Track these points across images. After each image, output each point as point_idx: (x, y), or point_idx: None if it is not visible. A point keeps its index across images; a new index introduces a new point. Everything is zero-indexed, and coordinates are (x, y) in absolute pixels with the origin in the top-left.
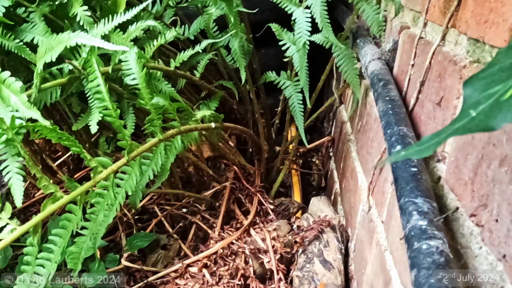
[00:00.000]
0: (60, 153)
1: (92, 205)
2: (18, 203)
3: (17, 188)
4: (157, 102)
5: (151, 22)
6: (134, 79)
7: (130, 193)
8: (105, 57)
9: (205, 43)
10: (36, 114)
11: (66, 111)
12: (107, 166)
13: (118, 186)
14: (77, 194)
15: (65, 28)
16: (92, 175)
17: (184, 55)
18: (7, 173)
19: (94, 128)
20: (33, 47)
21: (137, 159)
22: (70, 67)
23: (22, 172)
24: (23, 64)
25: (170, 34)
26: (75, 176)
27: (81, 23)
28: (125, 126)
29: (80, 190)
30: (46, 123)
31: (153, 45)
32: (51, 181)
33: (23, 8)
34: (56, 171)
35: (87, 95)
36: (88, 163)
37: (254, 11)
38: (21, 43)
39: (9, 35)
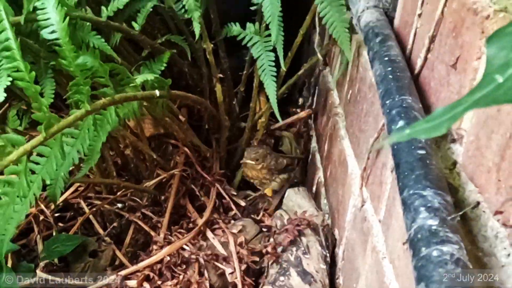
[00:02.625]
0: None
1: None
2: None
3: None
4: (84, 62)
5: None
6: (53, 32)
7: (48, 182)
8: (17, 4)
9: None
10: None
11: None
12: (18, 145)
13: (33, 172)
14: None
15: None
16: None
17: (119, 2)
18: None
19: (1, 96)
20: None
21: (57, 137)
22: None
23: None
24: None
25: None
26: None
27: None
28: (42, 95)
29: None
30: None
31: None
32: None
33: None
34: None
35: None
36: None
37: None
38: None
39: None
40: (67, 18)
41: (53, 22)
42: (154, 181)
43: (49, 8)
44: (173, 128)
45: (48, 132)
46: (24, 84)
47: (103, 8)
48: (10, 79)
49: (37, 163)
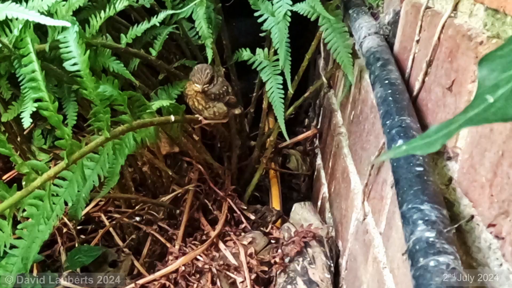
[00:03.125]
0: None
1: (24, 218)
2: None
3: None
4: (104, 91)
5: None
6: (75, 64)
7: (70, 203)
8: (41, 31)
9: (163, 14)
10: None
11: None
12: (42, 171)
13: (55, 195)
14: (5, 207)
15: None
16: (24, 183)
17: (137, 30)
18: None
19: (27, 122)
20: None
21: (79, 162)
22: None
23: None
24: None
25: (121, 4)
26: (4, 177)
27: None
28: (65, 117)
29: (9, 202)
30: None
31: (100, 18)
32: None
33: None
34: None
35: (20, 80)
36: (19, 168)
37: None
38: None
39: None
40: (88, 51)
41: (74, 55)
42: (169, 196)
43: (70, 42)
44: (187, 147)
45: (70, 159)
46: (48, 114)
47: (122, 35)
48: (36, 105)
49: (60, 186)
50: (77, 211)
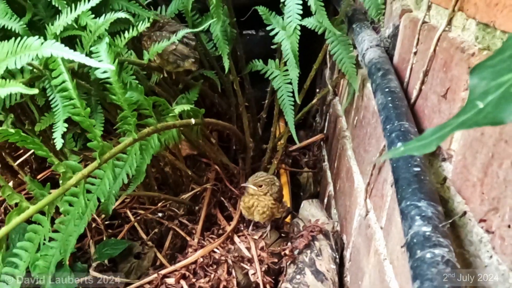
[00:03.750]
0: (21, 151)
1: (60, 213)
2: None
3: None
4: (130, 96)
5: (121, 14)
6: (105, 72)
7: (102, 200)
8: (71, 43)
9: (182, 32)
10: (17, 88)
11: (29, 104)
12: (77, 171)
13: (89, 191)
14: (44, 204)
15: (27, 9)
16: (60, 181)
17: (159, 47)
18: None
19: (59, 143)
20: None
21: (109, 162)
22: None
23: None
24: None
25: (143, 26)
26: (39, 176)
27: None
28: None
29: (48, 199)
30: (33, 91)
31: (124, 37)
32: (11, 182)
33: None
34: (17, 171)
35: (50, 97)
36: (56, 168)
37: None
38: None
39: None
40: (117, 60)
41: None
42: (189, 194)
43: (101, 52)
44: (205, 149)
45: (102, 159)
46: (80, 119)
47: (144, 52)
48: (68, 114)
49: (93, 184)
50: (108, 207)
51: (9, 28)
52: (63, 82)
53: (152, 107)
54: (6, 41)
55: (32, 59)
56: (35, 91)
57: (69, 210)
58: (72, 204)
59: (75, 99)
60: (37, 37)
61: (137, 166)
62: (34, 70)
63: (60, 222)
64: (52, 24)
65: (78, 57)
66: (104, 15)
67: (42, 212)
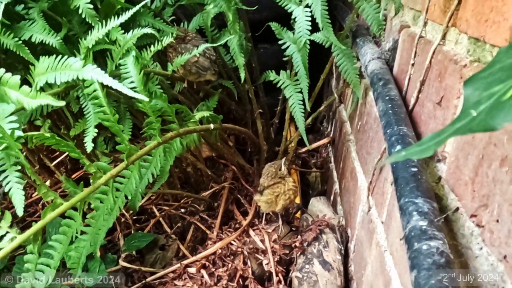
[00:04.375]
0: (57, 153)
1: (92, 209)
2: (20, 212)
3: (18, 198)
4: (155, 104)
5: (147, 30)
6: (132, 82)
7: (129, 197)
8: (103, 56)
9: (202, 46)
10: (47, 100)
11: (64, 110)
12: (106, 171)
13: (117, 190)
14: (77, 201)
15: (63, 25)
16: (91, 180)
17: (181, 60)
18: (7, 183)
19: (89, 146)
20: (31, 45)
21: (136, 163)
22: None
23: (22, 181)
24: (21, 63)
25: (167, 40)
26: (73, 176)
27: (83, 16)
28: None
29: (80, 196)
30: (61, 103)
31: (150, 51)
32: (48, 181)
33: (22, 5)
34: (53, 171)
35: (83, 105)
36: (88, 168)
37: (253, 8)
38: (20, 41)
39: (7, 33)
40: (142, 71)
41: (132, 75)
42: (209, 191)
43: (129, 64)
44: (223, 151)
45: (129, 160)
46: (109, 124)
47: (168, 64)
48: (96, 130)
49: (121, 183)
50: (135, 203)
51: (47, 42)
52: (95, 91)
53: (175, 113)
54: (46, 56)
55: (73, 79)
56: (62, 103)
57: (99, 207)
58: (102, 201)
59: (105, 106)
60: (78, 58)
61: (161, 167)
62: (69, 80)
63: (91, 217)
64: (85, 39)
65: (114, 83)
66: (132, 30)
67: (74, 208)
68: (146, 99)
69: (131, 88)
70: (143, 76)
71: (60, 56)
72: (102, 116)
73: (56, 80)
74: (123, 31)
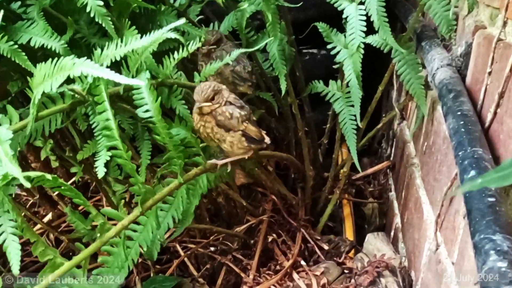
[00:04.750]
0: (61, 179)
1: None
2: (15, 270)
3: (14, 253)
4: (176, 133)
5: (170, 35)
6: (147, 111)
7: (145, 248)
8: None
9: (236, 52)
10: (16, 171)
11: (70, 128)
12: (117, 219)
13: (130, 239)
14: (81, 259)
15: (68, 26)
16: (98, 234)
17: (210, 68)
18: (1, 233)
19: (101, 172)
20: (30, 50)
21: (153, 208)
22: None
23: (18, 231)
24: (18, 71)
25: (194, 46)
26: (80, 207)
27: (91, 15)
28: (138, 151)
29: (84, 254)
30: (27, 184)
31: (174, 59)
32: (50, 214)
33: (19, 2)
34: (56, 201)
35: (93, 126)
36: (94, 218)
37: (298, 5)
38: (15, 45)
39: (1, 36)
40: (159, 98)
41: (147, 102)
42: (244, 226)
43: (142, 88)
44: (261, 178)
45: (144, 207)
46: (122, 162)
47: (195, 73)
48: (110, 154)
49: (134, 231)
50: (152, 253)
51: (48, 47)
52: (107, 120)
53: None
54: (43, 62)
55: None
56: (27, 184)
57: (108, 261)
58: (111, 254)
59: (118, 140)
60: (72, 56)
61: (184, 210)
62: (76, 95)
63: (98, 273)
64: (100, 47)
65: (107, 74)
66: (150, 32)
67: (78, 266)
68: (142, 83)
69: (147, 118)
70: (159, 104)
71: (56, 59)
72: (114, 152)
73: (52, 87)
74: (140, 34)
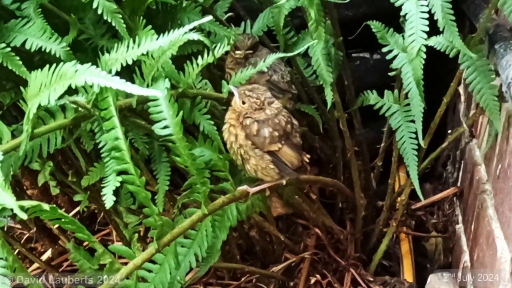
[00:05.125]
0: (63, 210)
1: None
2: None
3: None
4: (201, 154)
5: (193, 36)
6: (166, 127)
7: None
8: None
9: (272, 58)
10: (8, 200)
11: (72, 148)
12: (128, 257)
13: (143, 279)
14: None
15: (71, 26)
16: (105, 276)
17: (241, 76)
18: None
19: (109, 201)
20: (26, 54)
21: (172, 244)
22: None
23: (9, 272)
24: (11, 79)
25: (221, 50)
26: (85, 243)
27: (99, 12)
28: (154, 176)
29: None
30: (22, 215)
31: (197, 65)
32: (50, 251)
33: None
34: (57, 236)
35: (100, 146)
36: (100, 256)
37: (346, 0)
38: (8, 48)
39: None
40: (181, 113)
41: (165, 116)
42: (282, 265)
43: (161, 100)
44: (302, 207)
45: (160, 243)
46: (134, 189)
47: (223, 82)
48: (120, 179)
49: (149, 271)
50: None
51: (47, 50)
52: (116, 139)
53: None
54: (39, 69)
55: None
56: (24, 216)
57: None
58: None
59: (129, 163)
60: (74, 62)
61: (209, 245)
62: (80, 108)
63: None
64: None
65: (116, 83)
66: (169, 32)
67: None
68: (159, 94)
69: (165, 136)
70: (180, 121)
71: (54, 65)
72: (125, 177)
73: (50, 99)
74: (157, 34)
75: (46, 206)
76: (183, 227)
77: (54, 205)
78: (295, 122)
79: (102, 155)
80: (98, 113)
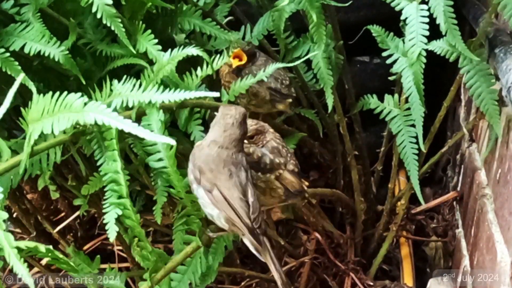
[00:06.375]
0: (62, 214)
1: None
2: None
3: None
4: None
5: (193, 51)
6: (160, 160)
7: None
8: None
9: (272, 68)
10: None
11: (73, 153)
12: None
13: None
14: None
15: (70, 30)
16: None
17: (242, 85)
18: None
19: (112, 234)
20: (25, 59)
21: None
22: None
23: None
24: (10, 85)
25: (221, 61)
26: (85, 247)
27: (98, 16)
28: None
29: None
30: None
31: (196, 76)
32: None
33: (12, 1)
34: (57, 240)
35: (99, 164)
36: None
37: (347, 4)
38: (7, 53)
39: None
40: (174, 146)
41: (159, 149)
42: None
43: (155, 133)
44: (302, 212)
45: (153, 280)
46: (131, 223)
47: (223, 91)
48: (119, 212)
49: None
50: None
51: (46, 54)
52: (116, 172)
53: None
54: (42, 95)
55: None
56: None
57: None
58: None
59: (126, 198)
60: (79, 94)
61: (204, 272)
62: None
63: None
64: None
65: (126, 125)
66: (169, 35)
67: None
68: (173, 142)
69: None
70: (186, 115)
71: (58, 94)
72: (123, 210)
73: (54, 129)
74: (157, 40)
75: (42, 248)
76: (176, 262)
77: (50, 247)
78: (290, 152)
79: (98, 162)
80: (98, 132)
